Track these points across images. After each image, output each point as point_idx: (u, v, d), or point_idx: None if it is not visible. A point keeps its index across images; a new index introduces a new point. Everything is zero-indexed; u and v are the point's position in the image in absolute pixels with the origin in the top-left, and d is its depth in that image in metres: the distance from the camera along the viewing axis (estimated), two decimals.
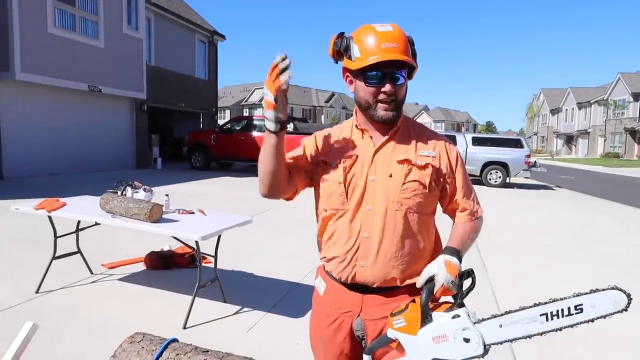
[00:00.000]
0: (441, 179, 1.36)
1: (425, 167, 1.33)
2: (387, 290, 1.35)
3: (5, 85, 10.04)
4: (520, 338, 1.11)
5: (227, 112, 53.63)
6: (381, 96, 1.28)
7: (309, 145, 1.45)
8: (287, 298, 3.65)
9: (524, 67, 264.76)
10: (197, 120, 20.27)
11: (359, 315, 1.38)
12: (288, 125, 14.01)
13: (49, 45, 10.53)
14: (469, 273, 1.19)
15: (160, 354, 1.12)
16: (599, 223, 8.12)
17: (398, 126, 1.36)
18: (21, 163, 10.50)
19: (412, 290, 1.33)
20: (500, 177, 13.40)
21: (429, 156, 1.34)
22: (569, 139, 51.07)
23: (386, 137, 1.35)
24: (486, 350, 1.09)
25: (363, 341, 1.40)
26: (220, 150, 14.28)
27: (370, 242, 1.32)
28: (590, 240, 6.52)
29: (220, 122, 22.02)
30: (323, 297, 1.45)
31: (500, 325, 1.12)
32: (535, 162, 14.39)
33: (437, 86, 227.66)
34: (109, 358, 1.15)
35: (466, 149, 13.57)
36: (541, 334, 1.09)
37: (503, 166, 13.37)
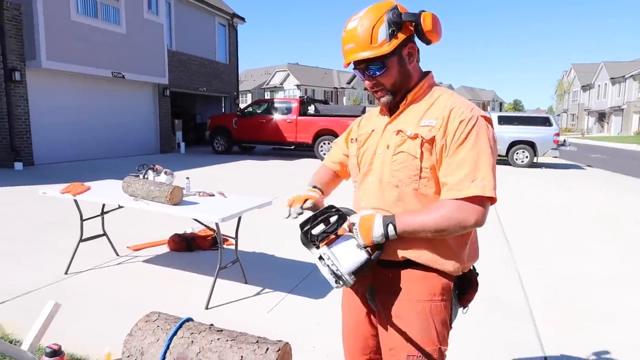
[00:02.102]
0: (437, 152, 1.26)
1: (414, 137, 1.28)
2: (394, 264, 1.36)
3: (33, 73, 10.28)
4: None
5: (249, 95, 53.73)
6: (370, 88, 1.36)
7: (348, 131, 1.60)
8: (308, 279, 3.66)
9: (553, 43, 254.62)
10: (219, 104, 20.38)
11: (370, 284, 1.43)
12: (310, 108, 14.10)
13: (72, 32, 10.69)
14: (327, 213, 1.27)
15: (175, 333, 1.13)
16: (630, 203, 7.82)
17: (409, 100, 1.35)
18: (50, 149, 10.81)
19: (416, 265, 1.33)
20: (527, 157, 13.02)
21: (427, 126, 1.28)
22: (601, 117, 49.10)
23: (398, 111, 1.36)
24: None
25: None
26: (242, 133, 14.35)
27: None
28: (620, 220, 6.29)
29: (242, 105, 22.06)
30: None
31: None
32: (564, 140, 13.89)
33: (462, 65, 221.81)
34: (126, 336, 1.16)
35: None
36: None
37: (530, 145, 12.97)
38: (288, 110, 13.91)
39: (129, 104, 13.37)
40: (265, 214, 5.23)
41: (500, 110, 64.75)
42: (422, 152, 1.27)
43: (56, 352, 2.35)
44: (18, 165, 9.68)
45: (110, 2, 11.87)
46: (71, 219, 3.78)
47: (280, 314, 3.07)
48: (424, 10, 1.28)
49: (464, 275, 1.44)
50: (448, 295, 1.37)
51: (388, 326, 1.38)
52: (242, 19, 20.70)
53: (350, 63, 1.32)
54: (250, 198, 3.63)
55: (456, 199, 1.21)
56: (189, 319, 1.18)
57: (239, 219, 3.38)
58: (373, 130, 1.42)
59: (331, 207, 1.27)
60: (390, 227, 1.23)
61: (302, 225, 1.26)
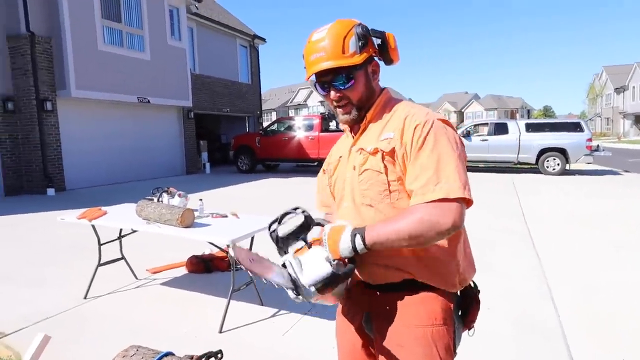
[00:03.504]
0: (400, 163, 1.21)
1: (375, 152, 1.25)
2: (390, 287, 1.28)
3: (63, 102, 10.72)
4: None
5: (274, 114, 54.51)
6: (334, 102, 1.29)
7: (324, 165, 1.53)
8: None
9: (582, 46, 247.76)
10: (243, 124, 20.70)
11: (367, 311, 1.35)
12: (331, 124, 14.11)
13: (99, 61, 11.12)
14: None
15: None
16: None
17: (369, 118, 1.32)
18: (81, 175, 11.18)
19: (413, 287, 1.25)
20: (559, 164, 12.54)
21: (385, 139, 1.24)
22: (638, 119, 47.09)
23: (360, 130, 1.33)
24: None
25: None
26: (265, 152, 14.47)
27: None
28: None
29: (266, 124, 22.36)
30: (345, 292, 1.45)
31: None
32: (597, 145, 13.34)
33: (488, 73, 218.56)
34: None
35: (519, 136, 12.84)
36: None
37: (561, 152, 12.50)
38: (310, 127, 13.97)
39: (155, 128, 13.73)
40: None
41: (529, 117, 63.08)
42: (385, 166, 1.22)
43: None
44: (50, 191, 10.04)
45: (134, 31, 12.31)
46: (92, 243, 3.83)
47: (295, 336, 2.98)
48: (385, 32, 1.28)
49: (465, 293, 1.34)
50: (450, 319, 1.27)
51: (387, 355, 1.28)
52: (263, 40, 21.11)
53: (311, 75, 1.27)
54: (263, 218, 3.58)
55: (427, 204, 1.13)
56: (167, 354, 1.11)
57: (252, 239, 3.33)
58: (340, 157, 1.39)
59: (297, 208, 1.20)
60: (358, 238, 1.14)
61: (269, 226, 1.20)
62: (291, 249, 1.18)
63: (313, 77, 1.30)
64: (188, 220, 3.13)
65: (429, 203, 1.13)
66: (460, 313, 1.34)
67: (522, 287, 3.76)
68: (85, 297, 3.64)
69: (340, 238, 1.15)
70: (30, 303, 3.56)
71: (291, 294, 1.14)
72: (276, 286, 1.15)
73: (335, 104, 1.30)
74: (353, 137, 1.36)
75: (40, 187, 10.14)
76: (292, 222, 1.16)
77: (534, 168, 13.18)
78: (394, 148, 1.21)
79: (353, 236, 1.15)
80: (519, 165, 13.80)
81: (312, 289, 1.11)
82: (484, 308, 1.45)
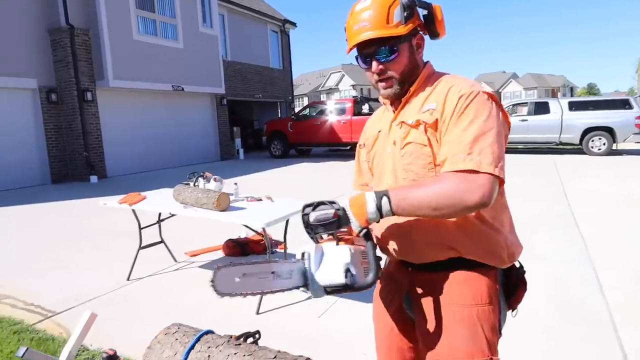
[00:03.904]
0: (441, 133, 1.16)
1: (417, 124, 1.19)
2: (431, 267, 1.24)
3: (102, 92, 11.08)
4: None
5: (305, 99, 54.45)
6: (375, 77, 1.24)
7: (360, 139, 1.49)
8: None
9: (630, 21, 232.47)
10: (275, 109, 20.78)
11: (408, 290, 1.32)
12: (363, 107, 13.94)
13: (135, 51, 11.38)
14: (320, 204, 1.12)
15: (192, 347, 1.07)
16: None
17: (412, 91, 1.26)
18: (120, 162, 11.58)
19: (458, 265, 1.20)
20: (604, 144, 11.90)
21: (427, 110, 1.19)
22: None
23: (401, 104, 1.27)
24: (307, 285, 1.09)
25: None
26: (298, 137, 14.49)
27: (389, 221, 1.25)
28: None
29: (298, 109, 22.39)
30: (384, 270, 1.43)
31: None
32: None
33: (528, 51, 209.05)
34: (145, 349, 1.13)
35: (561, 115, 12.25)
36: None
37: (608, 131, 11.85)
38: (342, 111, 13.84)
39: (189, 115, 13.99)
40: None
41: (572, 96, 60.16)
42: (428, 138, 1.17)
43: (112, 357, 2.44)
44: (93, 179, 10.46)
45: (167, 20, 12.50)
46: (133, 227, 3.96)
47: (331, 319, 2.98)
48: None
49: (511, 273, 1.28)
50: (496, 298, 1.22)
51: (430, 336, 1.24)
52: (294, 24, 20.97)
53: (354, 47, 1.22)
54: (297, 201, 3.57)
55: (455, 173, 1.08)
56: (208, 332, 1.12)
57: (287, 222, 3.34)
58: (380, 131, 1.34)
59: (334, 202, 1.13)
60: (385, 199, 1.09)
61: (303, 208, 1.15)
62: (318, 237, 1.15)
63: (355, 50, 1.25)
64: (224, 203, 3.17)
65: (458, 173, 1.08)
66: (505, 293, 1.29)
67: (566, 271, 3.61)
68: (128, 279, 3.78)
69: (366, 201, 1.10)
70: (78, 284, 3.73)
71: (298, 289, 1.10)
72: (278, 293, 1.10)
73: (376, 77, 1.25)
74: (394, 111, 1.31)
75: (83, 174, 10.58)
76: (323, 215, 1.11)
77: (578, 149, 12.58)
78: (436, 120, 1.16)
79: (379, 197, 1.10)
80: (560, 146, 13.21)
81: (322, 290, 1.09)
82: (510, 315, 1.39)
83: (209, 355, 1.04)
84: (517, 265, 1.32)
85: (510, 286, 1.29)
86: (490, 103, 1.14)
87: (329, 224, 1.10)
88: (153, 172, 11.99)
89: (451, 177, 1.08)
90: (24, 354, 1.24)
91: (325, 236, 1.14)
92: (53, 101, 10.44)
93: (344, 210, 1.10)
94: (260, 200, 3.56)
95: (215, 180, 3.70)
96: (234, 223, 3.21)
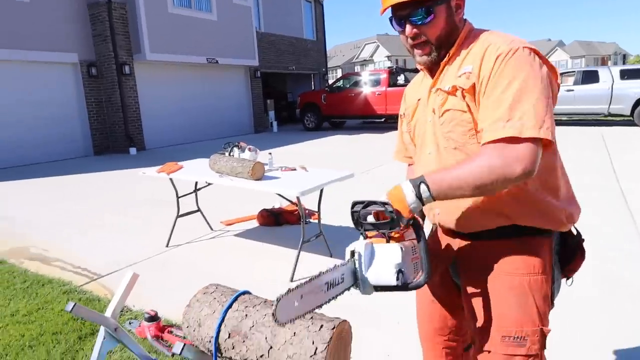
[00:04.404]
0: (479, 98, 1.07)
1: (453, 91, 1.11)
2: (479, 235, 1.19)
3: (139, 66, 11.28)
4: None
5: (339, 71, 53.66)
6: (409, 41, 1.15)
7: (400, 108, 1.43)
8: None
9: None
10: (309, 82, 20.59)
11: (453, 260, 1.28)
12: (399, 78, 13.58)
13: (170, 24, 11.45)
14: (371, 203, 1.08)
15: (230, 306, 1.08)
16: None
17: (451, 55, 1.16)
18: (157, 135, 11.86)
19: (510, 232, 1.15)
20: None
21: (464, 74, 1.10)
22: None
23: (439, 70, 1.18)
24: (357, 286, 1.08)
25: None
26: (331, 109, 14.35)
27: None
28: None
29: (332, 81, 22.10)
30: (429, 239, 1.40)
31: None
32: None
33: (576, 20, 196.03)
34: (185, 307, 1.15)
35: (612, 84, 11.50)
36: None
37: None
38: (377, 82, 13.55)
39: (224, 88, 14.08)
40: (349, 187, 5.13)
41: (624, 64, 56.35)
42: (467, 104, 1.09)
43: (153, 318, 2.54)
44: (132, 151, 10.80)
45: None
46: (171, 197, 4.06)
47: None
48: None
49: (568, 240, 1.21)
50: (549, 267, 1.17)
51: (478, 304, 1.20)
52: None
53: (388, 8, 1.13)
54: (332, 171, 3.55)
55: (494, 145, 1.00)
56: (245, 292, 1.12)
57: (321, 192, 3.33)
58: (419, 100, 1.27)
59: (386, 204, 1.07)
60: (423, 186, 1.04)
61: (353, 205, 1.12)
62: (370, 233, 1.12)
63: (389, 12, 1.17)
64: (258, 172, 3.18)
65: (497, 144, 1.00)
66: (560, 261, 1.22)
67: (612, 246, 3.44)
68: (167, 245, 3.91)
69: (403, 192, 1.06)
70: (120, 250, 3.89)
71: (348, 283, 1.07)
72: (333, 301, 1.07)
73: (411, 42, 1.16)
74: (432, 77, 1.23)
75: (123, 146, 10.93)
76: (373, 218, 1.08)
77: (628, 120, 11.83)
78: (473, 84, 1.08)
79: (417, 186, 1.05)
80: (609, 118, 12.47)
81: (372, 289, 1.08)
82: (565, 283, 1.32)
83: (246, 315, 1.04)
84: (574, 232, 1.25)
85: (567, 254, 1.23)
86: (532, 58, 1.04)
87: (382, 225, 1.07)
88: (189, 145, 12.23)
89: (489, 151, 1.01)
90: (72, 308, 1.29)
91: (371, 232, 1.11)
92: (93, 75, 10.73)
93: (397, 212, 1.05)
94: (295, 169, 3.55)
95: (249, 150, 3.72)
96: (268, 192, 3.22)
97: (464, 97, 1.10)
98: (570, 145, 8.63)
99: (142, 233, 4.37)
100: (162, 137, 12.03)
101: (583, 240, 1.25)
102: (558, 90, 1.12)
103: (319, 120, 14.73)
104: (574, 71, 12.70)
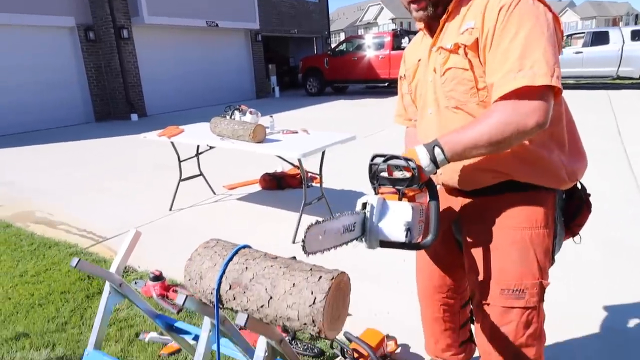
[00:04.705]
0: (484, 53, 1.05)
1: (455, 48, 1.08)
2: (484, 191, 1.19)
3: (138, 30, 11.04)
4: None
5: (342, 34, 52.42)
6: None
7: (400, 70, 1.41)
8: None
9: None
10: (311, 45, 20.16)
11: (456, 217, 1.30)
12: (403, 41, 13.25)
13: None
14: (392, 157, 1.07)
15: (230, 259, 1.10)
16: None
17: (450, 11, 1.14)
18: (158, 101, 11.76)
19: (512, 188, 1.15)
20: None
21: (466, 30, 1.07)
22: None
23: (439, 27, 1.16)
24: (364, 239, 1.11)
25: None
26: (334, 73, 14.11)
27: None
28: None
29: (334, 45, 21.64)
30: None
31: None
32: None
33: None
34: (186, 261, 1.17)
35: (622, 46, 11.19)
36: None
37: None
38: (380, 46, 13.24)
39: (224, 52, 13.82)
40: (351, 151, 5.11)
41: (636, 24, 54.72)
42: (469, 61, 1.06)
43: (158, 277, 2.59)
44: (134, 117, 10.74)
45: None
46: (172, 161, 4.06)
47: (364, 249, 3.01)
48: None
49: (573, 195, 1.21)
50: (552, 221, 1.17)
51: (479, 258, 1.22)
52: None
53: None
54: (334, 134, 3.52)
55: (506, 101, 0.99)
56: (245, 246, 1.14)
57: (323, 155, 3.32)
58: (419, 60, 1.25)
59: (410, 160, 1.07)
60: (437, 149, 1.04)
61: (373, 157, 1.12)
62: (383, 189, 1.12)
63: None
64: (260, 135, 3.16)
65: (509, 101, 0.99)
66: (564, 216, 1.23)
67: (615, 209, 3.44)
68: (170, 209, 3.94)
69: (418, 157, 1.06)
70: (124, 214, 3.93)
71: (353, 235, 1.09)
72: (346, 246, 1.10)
73: None
74: (432, 36, 1.20)
75: (124, 112, 10.86)
76: (398, 172, 1.07)
77: (636, 84, 11.59)
78: (476, 40, 1.05)
79: (431, 149, 1.05)
80: (617, 81, 12.22)
81: (377, 243, 1.09)
82: (572, 241, 1.33)
83: (246, 267, 1.06)
84: (580, 187, 1.25)
85: (572, 209, 1.23)
86: (536, 6, 1.02)
87: (400, 181, 1.07)
88: (190, 111, 12.13)
89: (501, 107, 1.00)
90: (76, 264, 1.32)
91: (386, 188, 1.11)
92: (91, 39, 10.52)
93: (419, 169, 1.05)
94: (296, 132, 3.53)
95: (251, 112, 3.69)
96: (269, 155, 3.21)
97: (466, 54, 1.07)
98: (577, 108, 8.49)
99: (144, 197, 4.40)
100: (163, 103, 11.93)
101: (589, 194, 1.25)
102: (562, 39, 1.09)
103: (321, 85, 14.52)
104: (584, 32, 12.34)
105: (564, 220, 1.25)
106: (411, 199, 1.10)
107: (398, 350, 2.00)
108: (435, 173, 1.10)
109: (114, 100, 10.99)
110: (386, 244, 1.11)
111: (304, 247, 0.98)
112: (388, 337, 1.99)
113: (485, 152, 1.04)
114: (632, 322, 2.08)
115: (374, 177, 1.11)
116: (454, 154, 1.04)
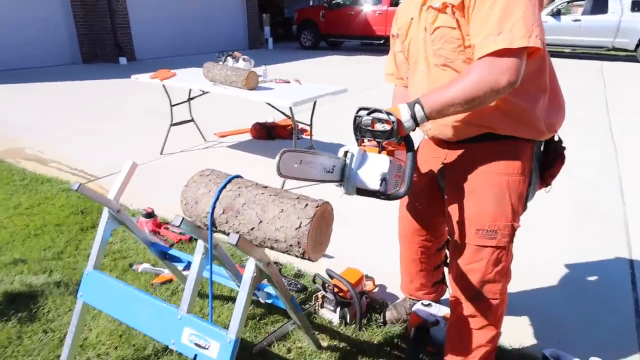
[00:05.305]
0: (469, 12, 1.10)
1: (443, 8, 1.13)
2: (468, 140, 1.29)
3: None
4: None
5: None
6: None
7: (392, 29, 1.42)
8: None
9: None
10: None
11: (442, 165, 1.39)
12: None
13: None
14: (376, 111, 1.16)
15: (224, 186, 1.19)
16: None
17: None
18: (148, 45, 11.40)
19: (493, 138, 1.24)
20: None
21: None
22: None
23: None
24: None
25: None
26: (330, 27, 13.76)
27: None
28: None
29: None
30: (421, 144, 1.53)
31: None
32: None
33: None
34: (183, 187, 1.25)
35: (620, 17, 11.08)
36: None
37: None
38: (378, 1, 12.90)
39: None
40: (343, 106, 5.14)
41: None
42: (457, 20, 1.12)
43: (150, 214, 2.70)
44: (122, 60, 10.45)
45: None
46: (164, 106, 4.06)
47: (352, 198, 3.14)
48: None
49: (550, 146, 1.31)
50: (528, 170, 1.28)
51: (460, 201, 1.33)
52: None
53: None
54: (325, 85, 3.56)
55: (483, 59, 1.06)
56: (237, 176, 1.23)
57: (314, 106, 3.36)
58: (412, 18, 1.28)
59: (390, 114, 1.15)
60: (417, 106, 1.12)
61: (359, 109, 1.20)
62: (365, 142, 1.21)
63: None
64: (252, 82, 3.18)
65: (485, 59, 1.05)
66: (540, 166, 1.33)
67: (590, 173, 3.60)
68: (161, 153, 3.99)
69: (400, 112, 1.13)
70: (115, 155, 3.97)
71: (333, 184, 1.18)
72: (319, 182, 1.19)
73: None
74: None
75: (112, 55, 10.55)
76: (379, 124, 1.15)
77: (631, 56, 11.58)
78: (463, 0, 1.10)
79: (412, 106, 1.12)
80: (612, 52, 12.20)
81: (354, 189, 1.18)
82: (544, 191, 1.44)
83: (239, 194, 1.15)
84: (557, 139, 1.34)
85: (548, 160, 1.33)
86: None
87: (380, 133, 1.15)
88: (181, 57, 11.84)
89: (477, 67, 1.07)
90: (78, 187, 1.39)
91: (367, 141, 1.19)
92: None
93: (398, 123, 1.12)
94: (289, 82, 3.55)
95: (244, 59, 3.68)
96: (261, 102, 3.25)
97: (453, 13, 1.12)
98: (568, 76, 8.54)
99: (135, 140, 4.42)
100: (154, 47, 11.59)
101: (564, 147, 1.35)
102: (542, 6, 1.15)
103: (316, 39, 14.20)
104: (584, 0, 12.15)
105: (539, 170, 1.35)
106: (390, 153, 1.19)
107: (375, 290, 2.16)
108: (414, 130, 1.18)
109: (102, 41, 10.64)
110: (363, 192, 1.20)
111: (278, 168, 1.06)
112: (367, 277, 2.14)
113: (462, 110, 1.12)
114: (589, 275, 2.27)
115: (358, 128, 1.19)
116: (433, 111, 1.11)
